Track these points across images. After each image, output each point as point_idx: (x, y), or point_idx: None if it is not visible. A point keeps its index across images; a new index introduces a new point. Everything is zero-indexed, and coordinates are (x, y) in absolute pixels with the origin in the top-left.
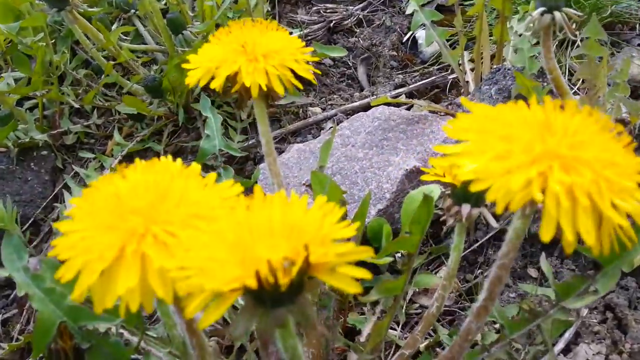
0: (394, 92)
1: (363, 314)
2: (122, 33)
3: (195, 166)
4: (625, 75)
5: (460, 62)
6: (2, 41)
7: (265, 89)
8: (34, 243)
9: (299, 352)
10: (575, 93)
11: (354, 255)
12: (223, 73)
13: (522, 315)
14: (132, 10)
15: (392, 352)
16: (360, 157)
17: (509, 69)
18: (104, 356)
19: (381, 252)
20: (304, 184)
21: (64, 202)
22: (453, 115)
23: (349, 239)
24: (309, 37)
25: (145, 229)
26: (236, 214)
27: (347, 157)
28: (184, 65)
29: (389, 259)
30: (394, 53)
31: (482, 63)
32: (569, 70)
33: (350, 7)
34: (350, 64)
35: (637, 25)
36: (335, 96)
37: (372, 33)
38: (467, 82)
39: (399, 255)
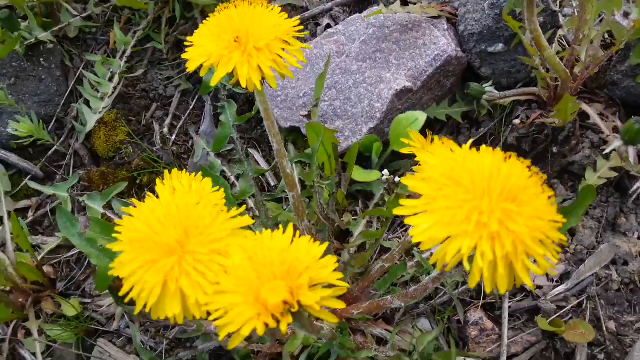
0: None
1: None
2: None
3: (214, 195)
4: (617, 4)
5: None
6: None
7: (261, 89)
8: (62, 139)
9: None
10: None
11: (330, 300)
12: (220, 73)
13: None
14: None
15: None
16: (354, 70)
17: None
18: None
19: (370, 173)
20: (302, 115)
21: (79, 99)
22: (452, 15)
23: None
24: None
25: (180, 270)
26: (246, 249)
27: (342, 70)
28: (183, 56)
29: (379, 174)
30: None
31: None
32: None
33: None
34: None
35: None
36: None
37: None
38: None
39: (386, 172)
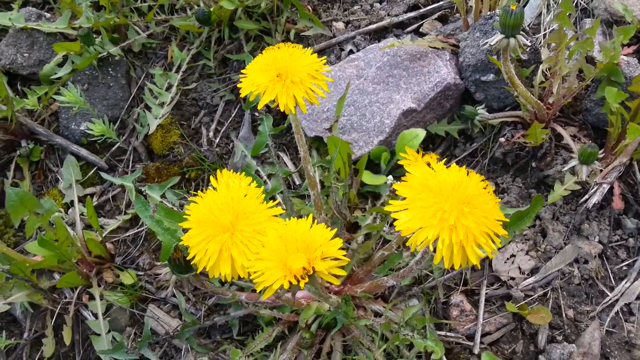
0: (404, 17)
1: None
2: None
3: (256, 190)
4: (589, 44)
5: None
6: None
7: (294, 112)
8: (124, 137)
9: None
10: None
11: (336, 267)
12: (265, 100)
13: None
14: None
15: (381, 242)
16: (369, 91)
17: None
18: None
19: (377, 178)
20: (325, 128)
21: (140, 104)
22: (454, 46)
23: None
24: None
25: (232, 242)
26: (278, 231)
27: (359, 90)
28: (238, 85)
29: (385, 179)
30: None
31: (482, 1)
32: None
33: None
34: None
35: None
36: (356, 7)
37: None
38: (467, 20)
39: (391, 177)
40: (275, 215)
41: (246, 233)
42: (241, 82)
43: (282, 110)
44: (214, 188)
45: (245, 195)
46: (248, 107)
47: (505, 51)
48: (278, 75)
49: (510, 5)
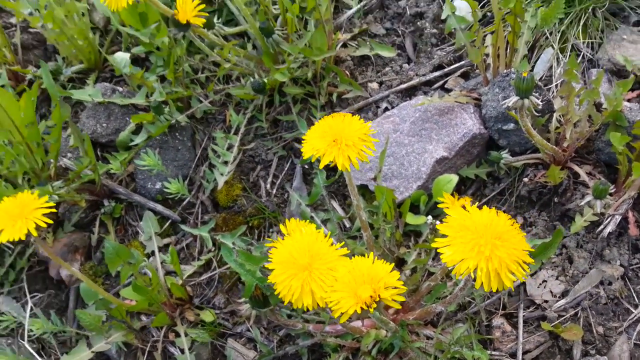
0: (431, 76)
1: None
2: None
3: (323, 234)
4: (595, 94)
5: (484, 56)
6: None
7: (348, 169)
8: (192, 192)
9: None
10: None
11: (397, 296)
12: (325, 161)
13: None
14: None
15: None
16: (405, 143)
17: (514, 77)
18: (277, 298)
19: (418, 218)
20: (371, 179)
21: (204, 164)
22: (476, 99)
23: None
24: (365, 9)
25: (311, 278)
26: (347, 268)
27: (397, 143)
28: (302, 150)
29: (425, 219)
30: (434, 30)
31: (498, 58)
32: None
33: None
34: (400, 32)
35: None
36: (387, 68)
37: None
38: (487, 76)
39: (430, 217)
40: (343, 255)
41: (321, 271)
42: (303, 145)
43: (339, 169)
44: (282, 235)
45: (317, 240)
46: (303, 163)
47: (521, 109)
48: (334, 140)
49: (523, 73)
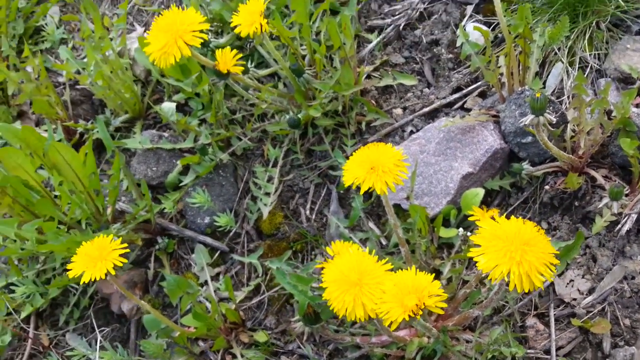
0: (451, 98)
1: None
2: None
3: (369, 253)
4: (605, 103)
5: (499, 75)
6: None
7: (386, 192)
8: (237, 223)
9: None
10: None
11: (439, 302)
12: (364, 187)
13: None
14: None
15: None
16: (432, 162)
17: (528, 95)
18: (328, 313)
19: (450, 231)
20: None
21: (246, 196)
22: (495, 116)
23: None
24: (384, 41)
25: (362, 293)
26: (393, 281)
27: (424, 163)
28: (343, 178)
29: (456, 232)
30: (450, 55)
31: (512, 76)
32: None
33: (413, 1)
34: (418, 59)
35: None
36: (409, 94)
37: (432, 26)
38: (503, 94)
39: (461, 229)
40: (388, 270)
41: (371, 285)
42: (344, 174)
43: (378, 193)
44: (325, 257)
45: (364, 257)
46: (341, 189)
47: (537, 126)
48: (372, 167)
49: (536, 93)
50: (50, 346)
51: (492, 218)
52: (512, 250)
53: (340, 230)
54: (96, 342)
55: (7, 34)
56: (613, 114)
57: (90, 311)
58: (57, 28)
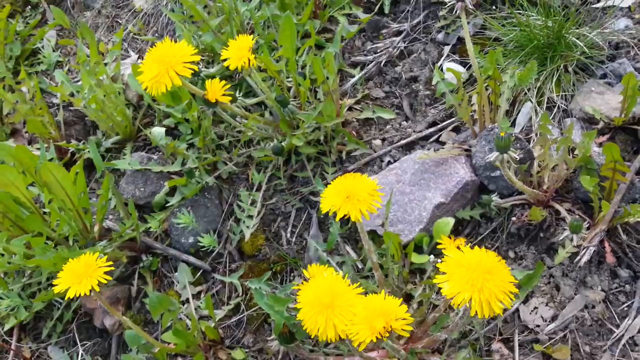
0: (426, 132)
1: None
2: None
3: (344, 276)
4: (569, 141)
5: (472, 112)
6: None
7: (360, 220)
8: (220, 245)
9: None
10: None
11: (405, 326)
12: (340, 214)
13: None
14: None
15: (430, 308)
16: (407, 191)
17: (497, 132)
18: (302, 333)
19: (422, 257)
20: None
21: (230, 218)
22: (467, 150)
23: None
24: (366, 76)
25: (333, 315)
26: (363, 304)
27: (400, 192)
28: (321, 205)
29: (428, 258)
30: (427, 92)
31: (484, 114)
32: None
33: (395, 38)
34: (397, 94)
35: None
36: (388, 127)
37: (411, 64)
38: (475, 129)
39: (432, 256)
40: (359, 294)
41: (342, 308)
42: (322, 202)
43: (352, 220)
44: (304, 279)
45: (337, 281)
46: (321, 214)
47: (502, 162)
48: (347, 196)
49: (501, 132)
50: (32, 359)
51: (458, 247)
52: (474, 278)
53: (319, 253)
54: (77, 355)
55: (3, 56)
56: (576, 152)
57: (73, 325)
58: (54, 51)
